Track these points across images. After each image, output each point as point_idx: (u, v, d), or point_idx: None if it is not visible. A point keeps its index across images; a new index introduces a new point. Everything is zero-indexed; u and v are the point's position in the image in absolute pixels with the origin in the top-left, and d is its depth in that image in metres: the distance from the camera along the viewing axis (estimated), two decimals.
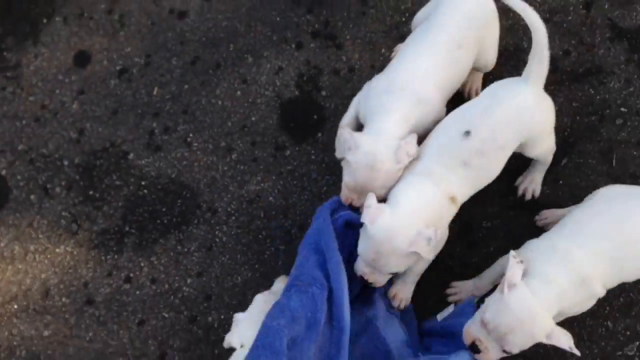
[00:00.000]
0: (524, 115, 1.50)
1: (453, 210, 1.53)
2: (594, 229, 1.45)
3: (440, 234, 1.46)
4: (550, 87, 1.85)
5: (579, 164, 1.82)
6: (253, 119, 2.02)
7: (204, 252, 1.91)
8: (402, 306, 1.66)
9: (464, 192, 1.54)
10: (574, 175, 1.81)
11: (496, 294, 1.41)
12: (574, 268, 1.42)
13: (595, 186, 1.64)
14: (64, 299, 1.93)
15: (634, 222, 1.45)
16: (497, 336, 1.38)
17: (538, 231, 1.63)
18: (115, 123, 2.06)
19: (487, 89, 1.57)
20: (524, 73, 1.51)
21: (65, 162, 2.06)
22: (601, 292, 1.47)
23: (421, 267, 1.60)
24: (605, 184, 1.64)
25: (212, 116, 2.03)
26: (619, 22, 1.92)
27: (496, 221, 1.81)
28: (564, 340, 1.37)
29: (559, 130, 1.75)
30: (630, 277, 1.51)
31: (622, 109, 1.85)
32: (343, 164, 1.59)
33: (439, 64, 1.59)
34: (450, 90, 1.65)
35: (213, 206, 1.95)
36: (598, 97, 1.87)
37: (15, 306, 1.94)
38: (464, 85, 1.78)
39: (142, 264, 1.92)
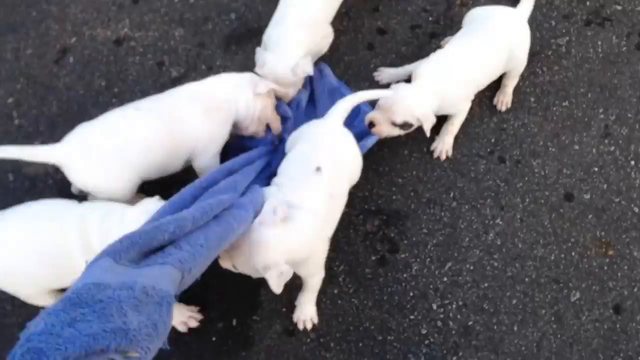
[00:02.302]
0: (341, 147, 1.75)
1: (327, 246, 1.68)
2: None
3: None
4: None
5: None
6: None
7: None
8: None
9: (333, 226, 1.70)
10: None
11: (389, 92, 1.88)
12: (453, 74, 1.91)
13: None
14: None
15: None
16: (386, 110, 1.83)
17: None
18: None
19: (305, 130, 1.78)
20: (328, 115, 1.81)
21: None
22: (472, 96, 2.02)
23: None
24: None
25: None
26: None
27: None
28: (428, 125, 1.84)
29: None
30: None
31: None
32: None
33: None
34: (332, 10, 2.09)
35: None
36: None
37: None
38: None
39: None
